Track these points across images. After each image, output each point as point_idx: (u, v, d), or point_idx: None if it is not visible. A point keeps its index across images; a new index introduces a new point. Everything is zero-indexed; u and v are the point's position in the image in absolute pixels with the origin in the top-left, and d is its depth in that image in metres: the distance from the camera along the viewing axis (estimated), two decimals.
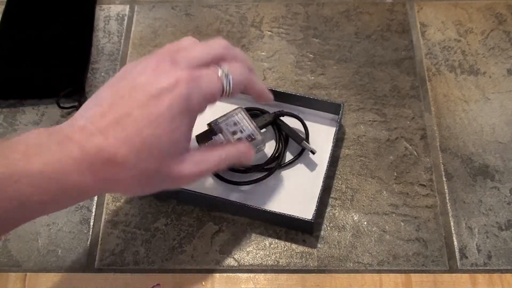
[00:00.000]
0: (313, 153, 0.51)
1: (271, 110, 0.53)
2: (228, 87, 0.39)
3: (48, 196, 0.34)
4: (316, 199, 0.47)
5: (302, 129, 0.53)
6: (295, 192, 0.51)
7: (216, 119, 0.50)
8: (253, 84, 0.42)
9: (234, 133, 0.50)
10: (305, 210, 0.48)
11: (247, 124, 0.50)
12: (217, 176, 0.51)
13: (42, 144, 0.34)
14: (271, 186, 0.51)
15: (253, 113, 0.54)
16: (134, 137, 0.35)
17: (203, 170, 0.40)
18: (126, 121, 0.35)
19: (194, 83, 0.37)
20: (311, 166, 0.52)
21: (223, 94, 0.39)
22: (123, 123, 0.35)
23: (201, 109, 0.39)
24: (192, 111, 0.38)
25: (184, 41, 0.41)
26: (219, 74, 0.39)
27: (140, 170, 0.36)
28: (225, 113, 0.51)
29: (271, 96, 0.45)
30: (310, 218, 0.46)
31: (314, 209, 0.47)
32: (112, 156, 0.35)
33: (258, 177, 0.50)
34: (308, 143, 0.52)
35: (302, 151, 0.52)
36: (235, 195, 0.50)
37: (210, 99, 0.39)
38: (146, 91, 0.36)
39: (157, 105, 0.36)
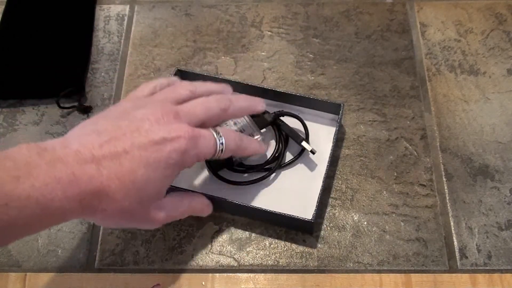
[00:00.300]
0: (313, 153, 0.51)
1: (271, 110, 0.53)
2: (220, 153, 0.42)
3: (32, 219, 0.34)
4: (316, 199, 0.47)
5: (302, 129, 0.53)
6: (295, 192, 0.51)
7: None
8: (243, 150, 0.45)
9: None
10: (305, 210, 0.48)
11: (247, 124, 0.50)
12: (217, 176, 0.51)
13: (31, 163, 0.33)
14: (271, 186, 0.51)
15: None
16: (128, 175, 0.36)
17: (173, 216, 0.43)
18: (123, 157, 0.36)
19: (193, 141, 0.39)
20: (311, 166, 0.52)
21: (213, 156, 0.42)
22: (120, 159, 0.36)
23: (190, 165, 0.41)
24: (183, 165, 0.40)
25: (183, 90, 0.43)
26: (215, 138, 0.41)
27: (123, 207, 0.37)
28: None
29: (263, 150, 0.48)
30: (310, 218, 0.46)
31: (314, 209, 0.47)
32: (102, 188, 0.35)
33: (258, 177, 0.50)
34: (308, 143, 0.52)
35: (302, 151, 0.52)
36: (235, 195, 0.50)
37: (201, 159, 0.41)
38: (149, 136, 0.37)
39: (158, 151, 0.37)
